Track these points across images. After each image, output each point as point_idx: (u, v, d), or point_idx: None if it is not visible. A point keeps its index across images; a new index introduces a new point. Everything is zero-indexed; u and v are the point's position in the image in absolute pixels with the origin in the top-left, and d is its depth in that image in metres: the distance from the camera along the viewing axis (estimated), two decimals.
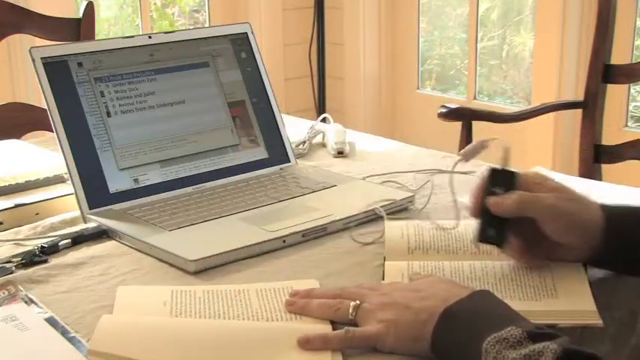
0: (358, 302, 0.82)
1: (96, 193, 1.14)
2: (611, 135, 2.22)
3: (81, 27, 1.86)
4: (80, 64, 1.19)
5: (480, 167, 1.36)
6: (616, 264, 0.90)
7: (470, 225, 0.96)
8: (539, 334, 0.70)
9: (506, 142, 0.90)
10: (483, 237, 0.88)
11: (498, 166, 0.90)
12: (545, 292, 0.86)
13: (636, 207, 0.92)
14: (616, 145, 1.99)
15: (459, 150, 1.97)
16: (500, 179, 0.89)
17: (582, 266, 0.91)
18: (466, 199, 0.93)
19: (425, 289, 0.81)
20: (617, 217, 0.89)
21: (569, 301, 0.85)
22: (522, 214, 0.87)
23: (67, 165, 1.14)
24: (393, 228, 1.02)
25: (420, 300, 0.79)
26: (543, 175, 0.90)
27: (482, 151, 0.95)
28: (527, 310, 0.81)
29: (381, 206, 1.11)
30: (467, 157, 0.95)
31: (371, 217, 1.11)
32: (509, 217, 0.88)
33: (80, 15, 1.86)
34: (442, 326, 0.75)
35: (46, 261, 1.00)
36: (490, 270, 0.92)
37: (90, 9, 1.86)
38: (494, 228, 0.88)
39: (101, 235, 1.08)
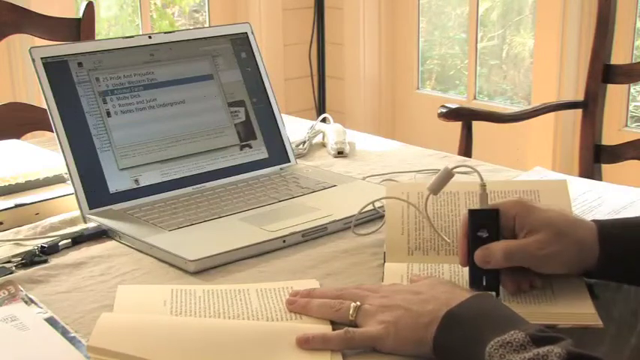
0: (359, 303, 0.82)
1: (96, 193, 1.14)
2: (611, 135, 2.22)
3: (81, 27, 1.86)
4: (80, 64, 1.19)
5: (479, 167, 1.36)
6: (609, 277, 0.89)
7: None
8: (542, 337, 0.69)
9: (481, 180, 0.87)
10: (475, 285, 0.86)
11: (477, 207, 0.88)
12: (544, 296, 0.86)
13: (628, 220, 0.90)
14: (616, 145, 1.99)
15: (459, 151, 1.97)
16: (482, 219, 0.86)
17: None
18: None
19: (425, 292, 0.81)
20: (612, 235, 0.86)
21: (568, 303, 0.85)
22: (510, 265, 0.85)
23: (67, 165, 1.14)
24: (394, 220, 1.01)
25: (421, 303, 0.79)
26: (525, 205, 0.87)
27: (449, 180, 0.93)
28: (526, 312, 0.81)
29: (380, 207, 1.11)
30: (435, 190, 0.93)
31: (372, 217, 1.11)
32: (495, 267, 0.85)
33: (80, 15, 1.86)
34: (444, 329, 0.75)
35: (46, 261, 1.00)
36: None
37: (90, 9, 1.86)
38: (485, 276, 0.85)
39: (101, 235, 1.08)
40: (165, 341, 0.78)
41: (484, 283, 0.85)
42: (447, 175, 0.93)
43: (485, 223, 0.86)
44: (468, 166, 0.93)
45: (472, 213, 0.86)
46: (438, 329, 0.75)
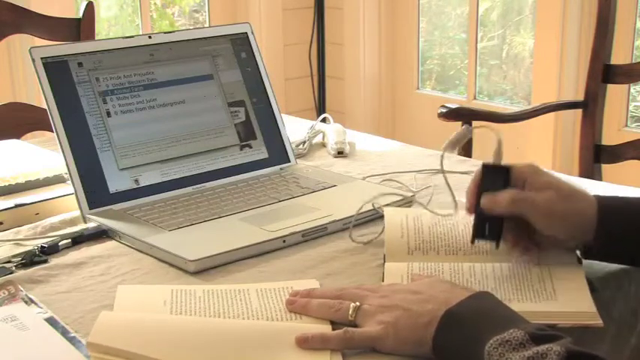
0: (358, 303, 0.82)
1: (96, 193, 1.14)
2: (611, 135, 2.22)
3: (81, 27, 1.86)
4: (80, 64, 1.19)
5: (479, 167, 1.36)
6: (608, 256, 0.91)
7: (467, 220, 0.96)
8: (542, 335, 0.69)
9: (498, 134, 0.90)
10: (479, 234, 0.90)
11: (491, 162, 0.91)
12: (545, 294, 0.86)
13: (630, 198, 0.92)
14: (616, 145, 1.99)
15: (459, 151, 1.97)
16: (494, 175, 0.90)
17: (581, 268, 0.91)
18: (464, 197, 0.93)
19: (425, 291, 0.81)
20: (612, 212, 0.89)
21: (569, 303, 0.85)
22: (514, 212, 0.88)
23: (67, 165, 1.14)
24: (393, 225, 1.02)
25: (420, 302, 0.79)
26: (537, 168, 0.91)
27: (466, 139, 0.95)
28: (526, 311, 0.81)
29: (379, 207, 1.11)
30: (453, 146, 0.95)
31: (371, 217, 1.11)
32: (501, 215, 0.88)
33: (80, 15, 1.86)
34: (443, 329, 0.75)
35: (46, 261, 1.00)
36: (490, 272, 0.92)
37: (90, 9, 1.86)
38: (489, 226, 0.89)
39: (101, 235, 1.08)
40: (165, 339, 0.78)
41: (486, 232, 0.89)
42: (465, 134, 0.95)
43: (497, 178, 0.89)
44: (489, 127, 0.94)
45: (485, 167, 0.90)
46: (437, 329, 0.75)
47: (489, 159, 0.91)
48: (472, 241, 0.92)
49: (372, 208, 1.11)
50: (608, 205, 0.89)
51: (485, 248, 0.95)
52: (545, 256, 0.92)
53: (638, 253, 0.89)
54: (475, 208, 0.90)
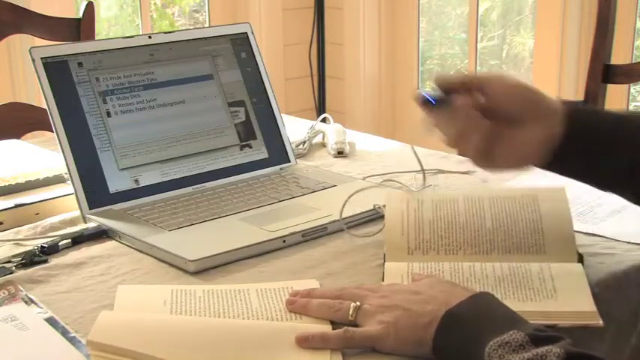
0: (358, 303, 0.82)
1: (96, 193, 1.14)
2: None
3: (81, 27, 1.85)
4: (80, 64, 1.19)
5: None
6: (575, 165, 0.90)
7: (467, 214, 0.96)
8: (541, 336, 0.69)
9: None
10: (435, 96, 0.92)
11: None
12: (545, 293, 0.86)
13: (599, 109, 0.92)
14: None
15: (459, 151, 1.97)
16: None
17: (581, 267, 0.91)
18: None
19: (425, 292, 0.81)
20: (580, 113, 0.88)
21: (569, 302, 0.85)
22: (478, 78, 0.87)
23: (67, 165, 1.14)
24: (393, 222, 1.01)
25: (420, 303, 0.79)
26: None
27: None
28: (526, 310, 0.81)
29: (379, 207, 1.11)
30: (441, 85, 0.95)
31: (371, 217, 1.11)
32: (458, 80, 0.89)
33: (80, 15, 1.86)
34: (443, 330, 0.75)
35: (46, 261, 1.00)
36: (490, 271, 0.92)
37: (90, 9, 1.86)
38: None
39: (101, 235, 1.08)
40: (165, 338, 0.78)
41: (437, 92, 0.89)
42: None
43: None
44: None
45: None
46: (437, 329, 0.75)
47: None
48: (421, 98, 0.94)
49: (372, 208, 1.11)
50: (574, 107, 0.88)
51: (485, 248, 0.95)
52: (545, 256, 0.92)
53: (599, 167, 0.88)
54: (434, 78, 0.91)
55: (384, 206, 1.06)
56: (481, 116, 0.88)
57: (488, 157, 0.90)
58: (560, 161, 0.89)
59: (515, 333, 0.70)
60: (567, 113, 0.87)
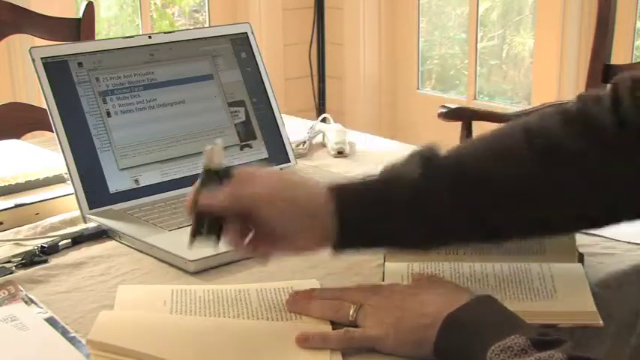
0: (359, 304, 0.81)
1: (96, 193, 1.14)
2: None
3: (81, 27, 1.85)
4: (80, 64, 1.19)
5: None
6: (360, 244, 0.86)
7: None
8: (543, 341, 0.69)
9: (217, 141, 0.86)
10: (198, 233, 0.85)
11: (211, 166, 0.87)
12: (545, 293, 0.86)
13: (370, 182, 0.87)
14: None
15: None
16: (215, 178, 0.86)
17: (581, 267, 0.91)
18: None
19: (426, 292, 0.81)
20: (351, 197, 0.84)
21: (569, 302, 0.85)
22: (235, 205, 0.83)
23: (67, 165, 1.14)
24: None
25: (421, 304, 0.79)
26: (256, 167, 0.88)
27: (216, 152, 0.88)
28: (527, 310, 0.81)
29: None
30: (212, 164, 0.88)
31: None
32: (221, 210, 0.83)
33: (80, 15, 1.86)
34: (445, 333, 0.75)
35: (46, 261, 1.00)
36: (490, 271, 0.92)
37: (90, 9, 1.86)
38: (207, 224, 0.84)
39: (101, 235, 1.08)
40: (165, 337, 0.78)
41: (205, 229, 0.84)
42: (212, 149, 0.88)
43: (217, 179, 0.85)
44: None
45: (206, 172, 0.86)
46: (438, 333, 0.75)
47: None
48: (190, 242, 0.85)
49: None
50: (342, 189, 0.84)
51: (485, 248, 0.95)
52: (545, 256, 0.91)
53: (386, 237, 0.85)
54: (194, 207, 0.84)
55: None
56: (252, 247, 0.85)
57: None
58: (342, 246, 0.86)
59: (518, 337, 0.69)
60: (338, 208, 0.83)
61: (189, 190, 0.86)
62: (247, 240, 0.84)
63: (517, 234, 0.87)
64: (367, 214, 0.84)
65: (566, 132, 0.84)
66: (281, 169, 1.31)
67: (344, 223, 0.83)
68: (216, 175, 0.86)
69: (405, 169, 0.86)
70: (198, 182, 0.86)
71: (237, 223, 0.84)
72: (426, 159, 0.86)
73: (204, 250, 0.98)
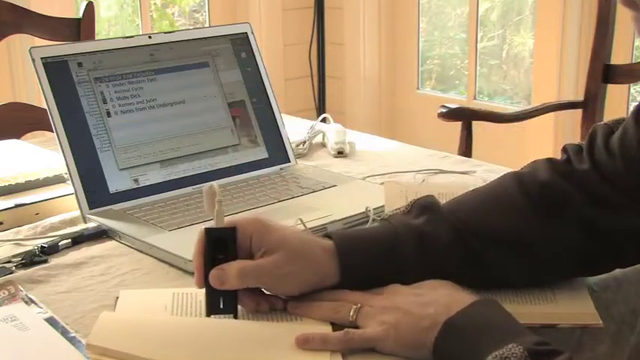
0: (359, 305, 0.81)
1: (96, 193, 1.14)
2: None
3: (81, 27, 1.86)
4: (80, 64, 1.19)
5: (478, 167, 1.36)
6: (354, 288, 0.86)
7: None
8: (540, 351, 0.69)
9: (215, 191, 0.83)
10: (213, 310, 0.83)
11: (213, 226, 0.83)
12: (545, 295, 0.86)
13: (368, 239, 0.88)
14: None
15: (459, 151, 1.97)
16: (219, 239, 0.82)
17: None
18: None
19: (427, 294, 0.81)
20: (351, 256, 0.84)
21: (568, 304, 0.85)
22: (246, 285, 0.82)
23: (67, 165, 1.14)
24: None
25: (421, 306, 0.79)
26: (262, 224, 0.85)
27: (212, 196, 0.84)
28: (526, 312, 0.81)
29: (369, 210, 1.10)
30: (209, 210, 0.85)
31: (366, 220, 1.11)
32: (233, 289, 0.82)
33: (80, 15, 1.86)
34: (444, 337, 0.75)
35: (46, 261, 1.00)
36: None
37: (90, 9, 1.86)
38: (223, 299, 0.83)
39: (101, 235, 1.08)
40: (164, 340, 0.78)
41: (221, 305, 0.83)
42: (210, 192, 0.85)
43: (222, 242, 0.82)
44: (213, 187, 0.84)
45: (208, 232, 0.82)
46: (437, 337, 0.75)
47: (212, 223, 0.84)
48: (208, 315, 0.83)
49: (363, 210, 1.11)
50: (344, 245, 0.85)
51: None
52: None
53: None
54: (204, 281, 0.82)
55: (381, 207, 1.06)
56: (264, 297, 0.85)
57: None
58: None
59: (514, 347, 0.69)
60: (340, 260, 0.84)
61: (194, 256, 0.83)
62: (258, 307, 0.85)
63: (514, 278, 0.88)
64: (369, 271, 0.85)
65: (554, 179, 0.88)
66: (281, 169, 1.31)
67: (346, 267, 0.84)
68: (219, 236, 0.83)
69: (404, 224, 0.88)
70: (200, 246, 0.83)
71: (252, 290, 0.84)
72: (425, 208, 0.89)
73: None
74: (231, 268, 0.82)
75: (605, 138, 0.89)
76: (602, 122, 0.92)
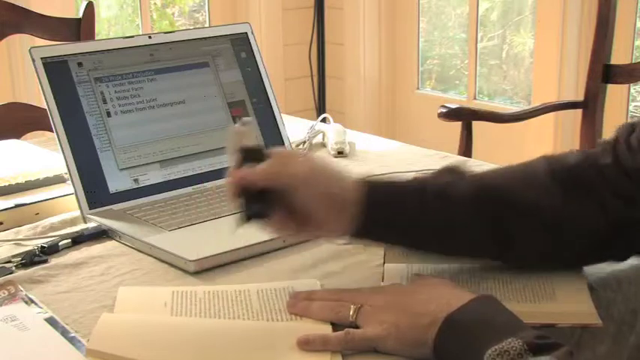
0: (359, 304, 0.82)
1: (96, 193, 1.14)
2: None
3: (81, 27, 1.86)
4: (80, 64, 1.19)
5: (478, 167, 1.36)
6: (381, 239, 0.91)
7: None
8: (540, 345, 0.69)
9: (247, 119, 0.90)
10: (249, 213, 0.86)
11: (248, 145, 0.89)
12: (545, 295, 0.86)
13: (395, 185, 0.91)
14: None
15: (459, 151, 1.97)
16: (253, 157, 0.88)
17: (582, 270, 0.91)
18: None
19: (427, 292, 0.81)
20: (379, 193, 0.88)
21: (568, 304, 0.85)
22: (271, 182, 0.86)
23: (67, 165, 1.14)
24: None
25: (422, 303, 0.79)
26: (294, 150, 0.91)
27: (242, 132, 0.91)
28: (526, 311, 0.81)
29: None
30: (239, 148, 0.91)
31: None
32: (260, 186, 0.86)
33: (80, 15, 1.86)
34: (444, 334, 0.75)
35: (46, 261, 1.00)
36: (489, 273, 0.91)
37: (90, 9, 1.86)
38: (257, 203, 0.86)
39: (101, 235, 1.08)
40: (164, 343, 0.78)
41: (254, 209, 0.86)
42: (239, 130, 0.91)
43: (256, 159, 0.88)
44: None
45: (243, 150, 0.89)
46: (438, 333, 0.75)
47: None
48: (245, 221, 0.87)
49: None
50: (374, 186, 0.89)
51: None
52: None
53: (406, 238, 0.90)
54: (237, 190, 0.87)
55: None
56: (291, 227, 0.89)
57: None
58: (363, 236, 0.90)
59: (514, 341, 0.70)
60: (365, 201, 0.87)
61: (229, 172, 0.88)
62: (289, 223, 0.88)
63: (531, 251, 0.90)
64: (392, 209, 0.87)
65: (582, 166, 0.91)
66: None
67: (367, 214, 0.86)
68: (252, 154, 0.88)
69: (432, 177, 0.92)
70: (234, 163, 0.88)
71: (283, 203, 0.87)
72: (453, 171, 0.92)
73: (205, 250, 0.99)
74: (261, 165, 0.86)
75: (627, 135, 0.92)
76: (630, 121, 0.96)
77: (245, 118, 0.89)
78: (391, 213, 0.87)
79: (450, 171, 0.92)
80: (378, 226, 0.87)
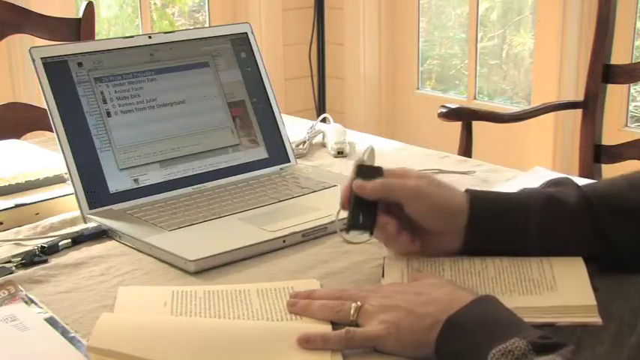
0: (359, 304, 0.82)
1: (96, 193, 1.14)
2: (611, 135, 2.22)
3: (81, 27, 1.86)
4: (80, 64, 1.19)
5: (478, 167, 1.36)
6: (488, 248, 0.92)
7: None
8: (544, 344, 0.69)
9: (371, 145, 0.99)
10: (353, 223, 0.92)
11: (364, 162, 0.96)
12: (545, 285, 0.86)
13: (501, 193, 0.96)
14: (616, 145, 1.99)
15: (459, 151, 1.97)
16: (367, 173, 0.94)
17: (582, 260, 0.91)
18: None
19: (428, 293, 0.81)
20: (482, 201, 0.92)
21: (569, 295, 0.85)
22: (386, 196, 0.91)
23: (67, 165, 1.14)
24: None
25: (423, 304, 0.79)
26: (408, 168, 0.95)
27: (368, 154, 0.99)
28: (526, 306, 0.81)
29: None
30: (356, 165, 0.98)
31: None
32: (374, 199, 0.92)
33: (80, 15, 1.86)
34: (446, 335, 0.75)
35: (46, 261, 1.00)
36: (490, 264, 0.91)
37: (90, 9, 1.86)
38: (363, 214, 0.92)
39: (101, 235, 1.08)
40: (165, 341, 0.78)
41: (361, 221, 0.91)
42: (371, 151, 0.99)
43: (370, 175, 0.94)
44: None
45: (359, 166, 0.95)
46: (439, 335, 0.75)
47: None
48: (347, 231, 0.93)
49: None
50: (477, 195, 0.92)
51: None
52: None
53: (508, 244, 0.91)
54: (348, 201, 0.93)
55: None
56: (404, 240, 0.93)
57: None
58: (473, 250, 0.93)
59: (518, 341, 0.69)
60: (471, 210, 0.91)
61: (344, 185, 0.94)
62: (398, 234, 0.91)
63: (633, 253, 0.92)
64: (499, 214, 0.91)
65: None
66: (281, 169, 1.31)
67: (475, 225, 0.90)
68: (368, 170, 0.94)
69: (536, 188, 0.95)
70: (351, 176, 0.95)
71: (392, 214, 0.91)
72: (557, 183, 0.95)
73: (205, 250, 0.99)
74: (375, 179, 0.93)
75: None
76: None
77: (368, 148, 0.98)
78: (500, 219, 0.91)
79: (555, 183, 0.95)
80: (488, 232, 0.91)
